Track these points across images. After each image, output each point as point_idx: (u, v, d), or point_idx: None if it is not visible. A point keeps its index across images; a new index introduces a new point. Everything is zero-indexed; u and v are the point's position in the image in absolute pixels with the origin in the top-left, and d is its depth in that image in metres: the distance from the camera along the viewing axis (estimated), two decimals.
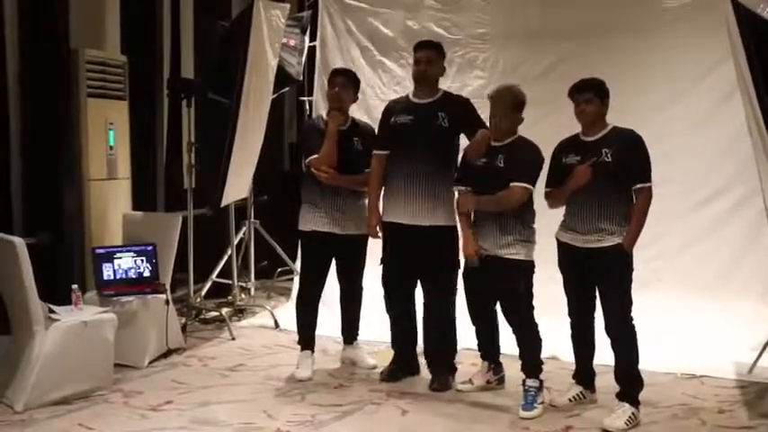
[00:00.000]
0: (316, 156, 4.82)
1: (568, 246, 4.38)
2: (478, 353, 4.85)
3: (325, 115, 5.01)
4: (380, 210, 4.81)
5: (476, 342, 4.83)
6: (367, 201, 5.03)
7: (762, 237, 5.66)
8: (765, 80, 4.14)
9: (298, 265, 6.86)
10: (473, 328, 4.79)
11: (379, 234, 4.84)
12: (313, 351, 5.06)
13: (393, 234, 4.76)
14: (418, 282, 4.85)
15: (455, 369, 4.90)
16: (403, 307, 4.88)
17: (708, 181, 5.92)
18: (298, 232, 5.06)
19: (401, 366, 4.95)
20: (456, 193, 4.63)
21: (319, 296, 5.04)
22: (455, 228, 4.68)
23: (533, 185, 4.42)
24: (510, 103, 4.45)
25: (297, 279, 6.84)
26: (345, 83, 4.95)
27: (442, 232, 4.64)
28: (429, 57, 4.73)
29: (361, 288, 5.13)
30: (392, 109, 4.85)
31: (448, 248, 4.64)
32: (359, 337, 5.27)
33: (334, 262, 5.07)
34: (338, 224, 4.90)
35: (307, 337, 5.06)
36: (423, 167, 4.65)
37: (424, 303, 4.85)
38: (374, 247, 5.02)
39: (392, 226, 4.75)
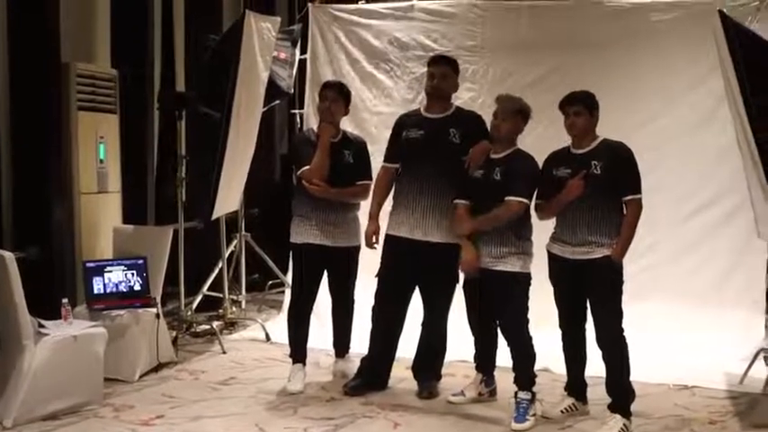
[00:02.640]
0: (307, 168, 4.81)
1: (558, 257, 4.39)
2: (471, 364, 4.85)
3: (316, 128, 5.01)
4: (384, 222, 4.81)
5: (471, 353, 4.83)
6: (358, 213, 5.04)
7: (753, 247, 5.68)
8: (752, 92, 4.17)
9: (289, 278, 6.85)
10: (466, 341, 4.80)
11: (375, 245, 4.84)
12: (305, 364, 5.04)
13: (396, 247, 4.75)
14: (411, 298, 4.85)
15: (440, 377, 4.94)
16: (394, 322, 4.85)
17: (699, 191, 5.95)
18: (289, 245, 5.06)
19: (368, 380, 4.91)
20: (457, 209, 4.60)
21: (311, 309, 5.02)
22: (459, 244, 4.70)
23: (529, 199, 4.42)
24: (516, 107, 4.47)
25: (288, 292, 6.84)
26: (336, 96, 4.95)
27: (447, 248, 4.62)
28: (443, 72, 4.73)
29: (352, 301, 5.12)
30: (404, 123, 4.84)
31: (451, 263, 4.62)
32: (350, 350, 5.25)
33: (325, 275, 5.06)
34: (330, 236, 4.89)
35: (298, 350, 5.04)
36: (431, 183, 4.65)
37: (424, 316, 4.85)
38: (366, 260, 5.02)
39: (396, 239, 4.74)
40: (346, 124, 5.40)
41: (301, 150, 4.94)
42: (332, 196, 4.85)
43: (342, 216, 4.92)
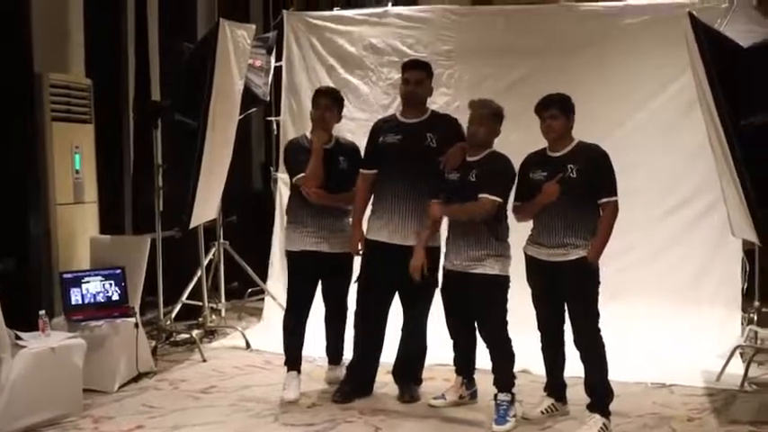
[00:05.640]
0: (303, 175, 4.81)
1: (535, 259, 4.42)
2: (451, 368, 4.87)
3: (308, 134, 5.00)
4: (364, 227, 4.81)
5: (451, 357, 4.84)
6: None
7: (727, 244, 5.75)
8: (723, 93, 4.22)
9: (268, 285, 6.86)
10: (446, 344, 4.81)
11: (361, 252, 4.84)
12: (299, 372, 5.01)
13: (376, 252, 4.75)
14: (392, 302, 4.85)
15: (421, 381, 4.95)
16: (375, 326, 4.85)
17: (674, 190, 6.03)
18: (286, 253, 5.07)
19: (356, 387, 4.90)
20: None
21: (307, 316, 4.98)
22: (438, 248, 4.72)
23: (503, 198, 4.44)
24: (490, 111, 4.48)
25: (267, 299, 6.84)
26: (330, 103, 4.94)
27: (426, 252, 4.61)
28: (418, 78, 4.73)
29: (346, 307, 5.08)
30: (380, 128, 4.84)
31: (429, 268, 4.62)
32: (343, 357, 5.19)
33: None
34: (327, 242, 4.87)
35: (293, 358, 5.00)
36: (410, 188, 4.65)
37: (404, 320, 4.86)
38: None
39: (376, 244, 4.75)
40: None
41: (296, 157, 4.92)
42: (329, 202, 4.85)
43: (339, 222, 4.92)
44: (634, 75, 6.04)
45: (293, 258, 5.00)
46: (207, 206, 5.82)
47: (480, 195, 4.38)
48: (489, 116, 4.48)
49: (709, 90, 4.31)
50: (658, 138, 6.01)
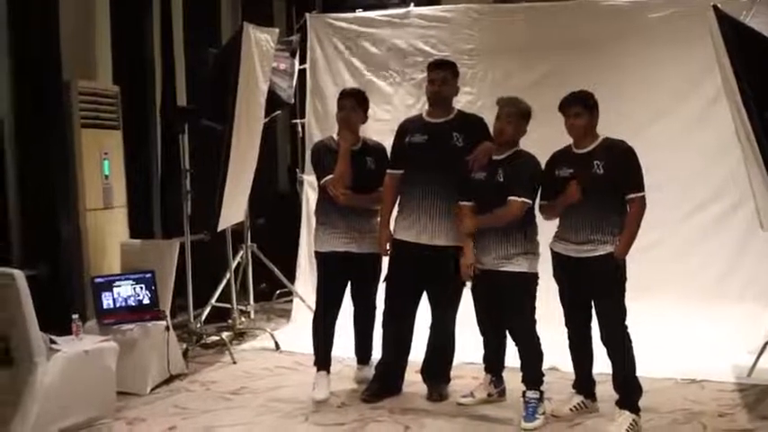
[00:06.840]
0: (330, 177, 4.85)
1: (562, 256, 4.42)
2: (479, 366, 4.88)
3: (335, 136, 5.04)
4: (392, 227, 4.84)
5: (480, 355, 4.85)
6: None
7: (756, 239, 5.71)
8: (750, 86, 4.20)
9: (296, 286, 6.90)
10: (473, 342, 4.83)
11: (389, 251, 4.86)
12: (329, 372, 5.04)
13: (404, 252, 4.77)
14: (420, 301, 4.88)
15: (449, 379, 4.96)
16: (404, 326, 4.88)
17: (702, 186, 5.99)
18: (315, 254, 5.10)
19: (385, 385, 4.93)
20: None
21: (336, 316, 5.02)
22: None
23: (531, 199, 4.44)
24: (518, 110, 4.49)
25: (296, 300, 6.88)
26: (354, 104, 4.96)
27: (454, 251, 4.63)
28: (444, 77, 4.74)
29: (374, 307, 5.12)
30: (407, 128, 4.86)
31: (457, 267, 4.63)
32: (372, 357, 5.22)
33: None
34: (356, 242, 4.90)
35: (323, 358, 5.04)
36: (437, 187, 4.67)
37: (432, 319, 4.88)
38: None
39: (404, 244, 4.76)
40: None
41: (323, 159, 4.96)
42: (357, 203, 4.87)
43: (367, 222, 4.94)
44: (658, 71, 5.99)
45: (322, 259, 5.03)
46: (234, 209, 5.87)
47: (509, 198, 4.39)
48: (517, 115, 4.48)
49: (735, 83, 4.29)
50: (684, 134, 5.97)
